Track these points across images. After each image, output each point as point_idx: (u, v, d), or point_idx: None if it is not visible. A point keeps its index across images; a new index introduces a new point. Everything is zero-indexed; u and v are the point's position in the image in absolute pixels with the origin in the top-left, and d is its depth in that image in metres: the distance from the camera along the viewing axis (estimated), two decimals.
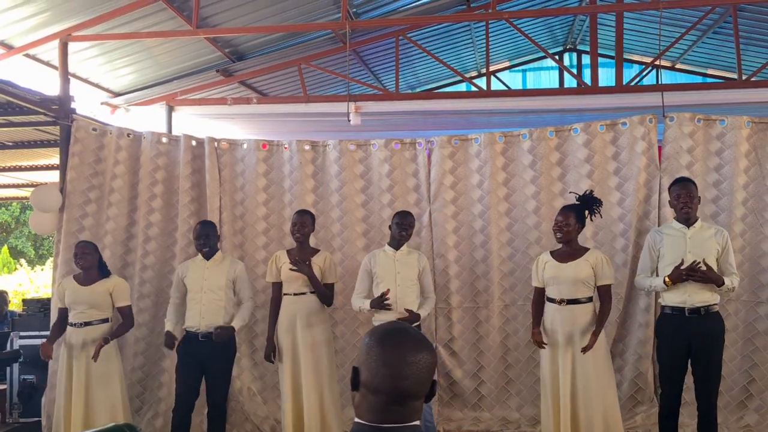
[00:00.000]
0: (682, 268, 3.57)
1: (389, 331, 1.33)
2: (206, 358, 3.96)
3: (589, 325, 3.70)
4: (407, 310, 3.88)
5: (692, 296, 3.61)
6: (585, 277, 3.72)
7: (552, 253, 3.87)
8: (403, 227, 4.04)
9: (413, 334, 1.33)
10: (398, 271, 3.98)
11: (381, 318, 3.89)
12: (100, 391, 3.99)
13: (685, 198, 3.70)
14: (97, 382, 3.98)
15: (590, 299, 3.75)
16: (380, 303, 3.85)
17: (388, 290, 3.87)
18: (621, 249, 4.56)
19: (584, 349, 3.62)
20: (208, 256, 4.10)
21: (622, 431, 3.74)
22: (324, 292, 4.08)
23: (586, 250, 3.84)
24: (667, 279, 3.62)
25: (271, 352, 4.13)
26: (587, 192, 3.96)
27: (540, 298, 3.90)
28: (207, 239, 4.09)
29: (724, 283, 3.58)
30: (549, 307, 3.81)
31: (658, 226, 4.47)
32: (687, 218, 3.73)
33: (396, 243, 4.07)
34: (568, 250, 3.80)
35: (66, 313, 4.11)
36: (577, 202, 3.89)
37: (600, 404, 3.66)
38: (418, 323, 3.93)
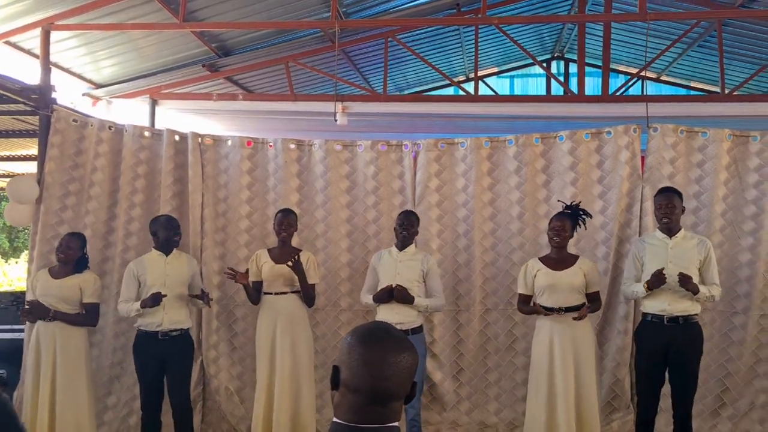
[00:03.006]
0: (652, 277, 3.61)
1: (371, 331, 1.32)
2: (167, 357, 3.88)
3: (583, 330, 3.72)
4: (399, 286, 3.80)
5: (672, 305, 3.64)
6: (579, 284, 3.73)
7: (542, 260, 3.85)
8: (403, 227, 3.99)
9: (395, 335, 1.32)
10: (398, 272, 3.92)
11: (382, 316, 3.86)
12: (67, 390, 3.88)
13: (665, 209, 3.73)
14: (63, 381, 3.88)
15: (583, 306, 3.75)
16: (384, 296, 3.81)
17: (391, 285, 3.83)
18: (602, 257, 4.59)
19: (576, 318, 3.63)
20: (167, 251, 4.03)
21: None
22: (310, 293, 4.08)
23: (576, 257, 3.85)
24: (645, 285, 3.66)
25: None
26: (573, 203, 3.98)
27: (526, 304, 3.89)
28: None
29: (699, 291, 3.60)
30: (543, 316, 3.77)
31: (639, 235, 4.52)
32: (668, 228, 3.76)
33: (400, 243, 4.02)
34: (558, 258, 3.79)
35: None
36: (567, 211, 3.90)
37: (587, 409, 3.69)
38: (419, 325, 3.91)
